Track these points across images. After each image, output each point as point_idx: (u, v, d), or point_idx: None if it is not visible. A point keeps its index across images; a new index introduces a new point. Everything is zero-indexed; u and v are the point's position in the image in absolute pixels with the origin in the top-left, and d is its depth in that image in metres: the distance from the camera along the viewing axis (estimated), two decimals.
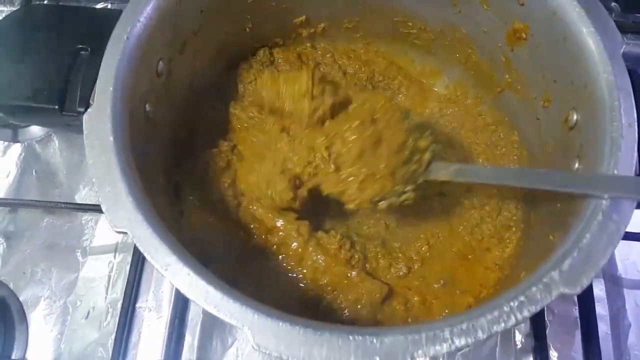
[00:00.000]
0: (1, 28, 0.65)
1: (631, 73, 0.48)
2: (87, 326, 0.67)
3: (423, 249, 0.64)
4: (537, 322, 0.65)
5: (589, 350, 0.63)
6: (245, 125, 0.68)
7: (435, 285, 0.61)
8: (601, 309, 0.66)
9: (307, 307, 0.57)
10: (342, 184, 0.57)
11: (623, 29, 0.54)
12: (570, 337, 0.65)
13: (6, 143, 0.78)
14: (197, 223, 0.60)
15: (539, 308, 0.39)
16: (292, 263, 0.59)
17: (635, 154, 0.45)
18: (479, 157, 0.70)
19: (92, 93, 0.48)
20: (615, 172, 0.44)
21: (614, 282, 0.69)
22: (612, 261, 0.70)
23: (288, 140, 0.60)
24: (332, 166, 0.56)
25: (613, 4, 0.84)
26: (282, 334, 0.38)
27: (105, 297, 0.68)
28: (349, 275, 0.59)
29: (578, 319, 0.66)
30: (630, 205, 0.43)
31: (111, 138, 0.45)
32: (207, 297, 0.39)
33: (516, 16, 0.58)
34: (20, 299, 0.68)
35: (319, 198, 0.60)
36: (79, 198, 0.74)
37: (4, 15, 0.77)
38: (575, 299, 0.67)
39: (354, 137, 0.56)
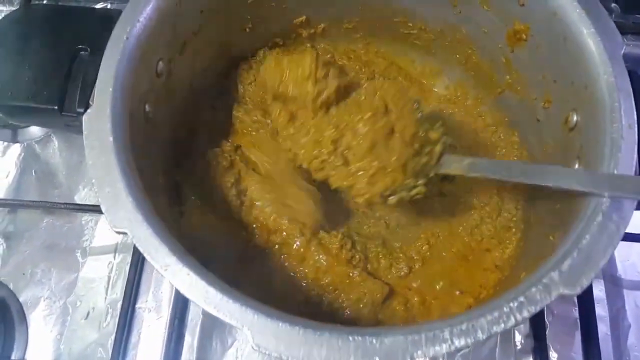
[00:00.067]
0: (0, 28, 0.65)
1: (631, 74, 0.48)
2: (86, 327, 0.66)
3: (424, 248, 0.63)
4: (537, 323, 0.65)
5: (589, 351, 0.63)
6: (250, 129, 0.67)
7: (435, 286, 0.61)
8: (601, 310, 0.66)
9: (309, 306, 0.57)
10: (351, 177, 0.56)
11: (623, 30, 0.55)
12: (570, 337, 0.65)
13: (6, 143, 0.78)
14: (197, 223, 0.60)
15: (538, 309, 0.39)
16: (294, 263, 0.59)
17: (635, 155, 0.45)
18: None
19: (92, 93, 0.47)
20: (615, 172, 0.44)
21: (614, 283, 0.69)
22: (612, 262, 0.70)
23: (294, 133, 0.59)
24: (341, 160, 0.55)
25: (613, 4, 0.84)
26: (282, 334, 0.38)
27: (105, 298, 0.68)
28: (350, 275, 0.59)
29: (578, 320, 0.66)
30: (630, 205, 0.43)
31: (111, 138, 0.45)
32: (206, 297, 0.39)
33: (516, 17, 0.58)
34: (20, 299, 0.68)
35: (322, 195, 0.60)
36: (79, 198, 0.74)
37: (3, 15, 0.76)
38: (575, 299, 0.67)
39: (366, 129, 0.54)
